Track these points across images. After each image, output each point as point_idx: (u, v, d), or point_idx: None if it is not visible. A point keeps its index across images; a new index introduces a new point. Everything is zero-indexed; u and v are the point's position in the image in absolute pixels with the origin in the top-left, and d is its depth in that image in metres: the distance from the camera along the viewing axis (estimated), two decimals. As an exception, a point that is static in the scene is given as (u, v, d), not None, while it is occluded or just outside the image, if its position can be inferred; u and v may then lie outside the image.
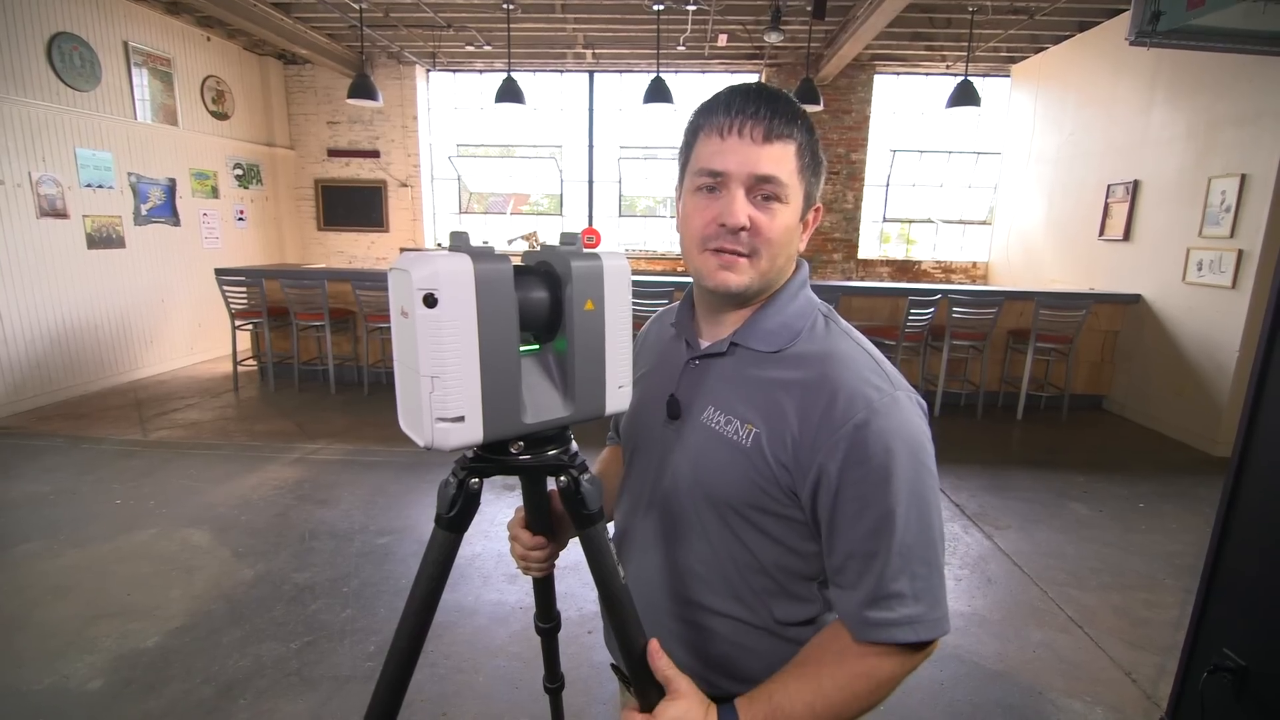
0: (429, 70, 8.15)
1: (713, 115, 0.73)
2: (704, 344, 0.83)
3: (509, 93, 5.83)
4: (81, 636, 2.32)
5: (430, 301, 0.54)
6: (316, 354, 5.98)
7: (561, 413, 0.65)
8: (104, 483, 3.63)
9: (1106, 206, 5.79)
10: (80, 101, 5.40)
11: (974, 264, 8.16)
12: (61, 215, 5.25)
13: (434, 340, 0.55)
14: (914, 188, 8.24)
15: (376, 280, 5.46)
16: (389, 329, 5.71)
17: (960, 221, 8.32)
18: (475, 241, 0.60)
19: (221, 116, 7.05)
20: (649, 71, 7.90)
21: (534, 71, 8.06)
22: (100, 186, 5.59)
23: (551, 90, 8.23)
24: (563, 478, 0.69)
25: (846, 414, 0.68)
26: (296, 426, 4.69)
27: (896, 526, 0.67)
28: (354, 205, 8.27)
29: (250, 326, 5.77)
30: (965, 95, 5.78)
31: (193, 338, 6.66)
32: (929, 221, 8.36)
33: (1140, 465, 4.36)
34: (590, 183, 8.36)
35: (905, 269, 8.18)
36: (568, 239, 0.66)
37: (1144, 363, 5.35)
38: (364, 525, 3.19)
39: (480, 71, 8.14)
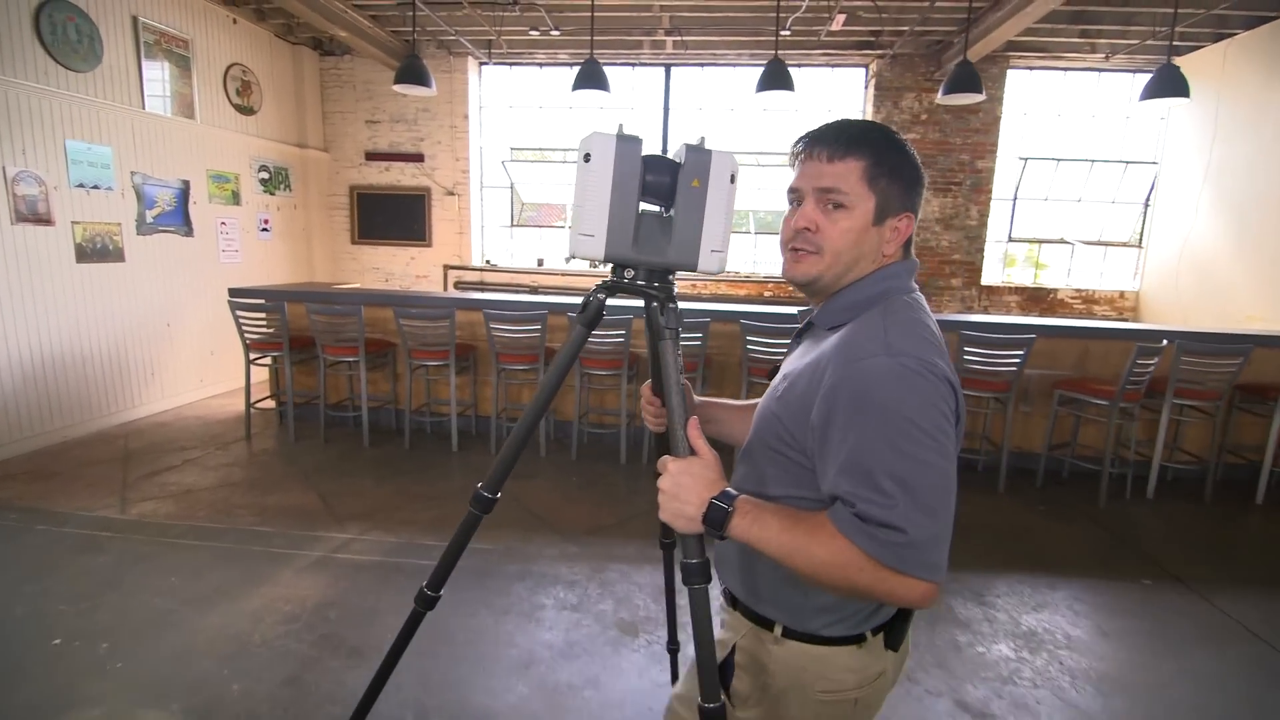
0: (482, 64, 7.14)
1: (798, 147, 0.93)
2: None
3: (590, 77, 4.75)
4: None
5: (586, 159, 0.89)
6: (347, 395, 4.90)
7: (666, 257, 0.94)
8: (49, 599, 2.53)
9: (1352, 226, 4.50)
10: (75, 84, 4.44)
11: (1120, 293, 6.86)
12: (44, 221, 4.25)
13: (584, 182, 0.90)
14: (1045, 202, 6.99)
15: (424, 307, 4.37)
16: (437, 367, 4.71)
17: (1101, 243, 7.04)
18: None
19: (247, 111, 6.09)
20: (734, 65, 6.82)
21: (603, 64, 6.99)
22: (95, 187, 4.60)
23: (622, 87, 7.16)
24: (654, 302, 0.97)
25: (834, 372, 0.83)
26: (320, 500, 3.58)
27: (865, 462, 0.78)
28: (393, 215, 7.25)
29: (269, 360, 4.71)
30: (1168, 84, 4.55)
31: (203, 368, 5.64)
32: (1063, 242, 7.10)
33: None
34: (663, 193, 7.25)
35: (1037, 298, 6.91)
36: (700, 140, 0.93)
37: None
38: (422, 712, 2.03)
39: (540, 65, 7.11)
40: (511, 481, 4.06)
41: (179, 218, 5.34)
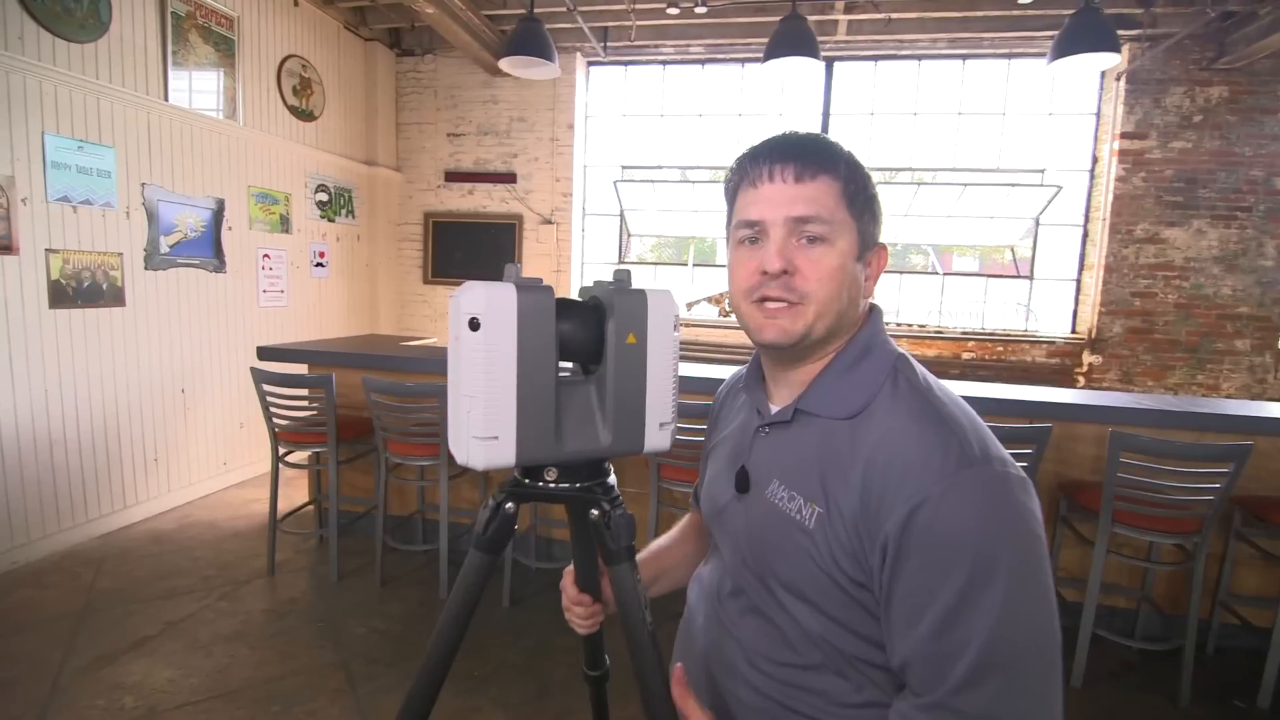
0: (591, 63, 5.77)
1: (745, 168, 0.69)
2: (773, 409, 0.74)
3: (795, 40, 3.18)
4: None
5: (474, 325, 0.58)
6: (417, 506, 3.35)
7: (599, 444, 0.66)
8: None
9: None
10: (67, 58, 3.16)
11: None
12: (1, 248, 2.92)
13: (473, 362, 0.59)
14: (1362, 236, 5.04)
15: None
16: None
17: None
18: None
19: (305, 116, 4.81)
20: (921, 57, 5.22)
21: (742, 61, 5.54)
22: (87, 203, 3.27)
23: (760, 90, 5.66)
24: (594, 510, 0.69)
25: (903, 496, 0.58)
26: (371, 753, 1.96)
27: (963, 630, 0.54)
28: (476, 248, 5.85)
29: (307, 455, 3.22)
30: None
31: (229, 447, 4.22)
32: (1388, 291, 5.10)
33: None
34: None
35: (1365, 369, 4.90)
36: (619, 275, 0.67)
37: None
38: None
39: (664, 62, 5.68)
40: None
41: (207, 247, 4.01)
